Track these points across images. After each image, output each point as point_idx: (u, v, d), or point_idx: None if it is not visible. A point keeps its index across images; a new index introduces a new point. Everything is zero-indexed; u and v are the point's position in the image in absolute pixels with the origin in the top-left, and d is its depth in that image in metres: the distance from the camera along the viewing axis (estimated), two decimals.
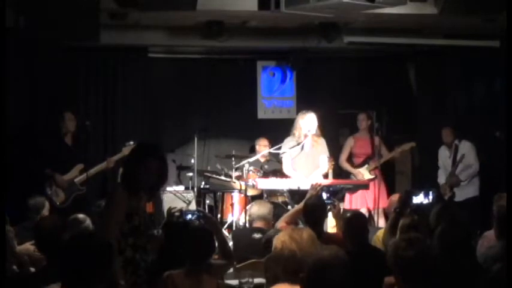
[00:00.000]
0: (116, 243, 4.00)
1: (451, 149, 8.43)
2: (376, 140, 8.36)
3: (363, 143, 8.44)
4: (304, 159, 7.52)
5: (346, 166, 8.46)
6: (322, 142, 7.58)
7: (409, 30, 8.60)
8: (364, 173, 8.25)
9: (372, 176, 8.14)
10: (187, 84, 9.78)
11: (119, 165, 7.71)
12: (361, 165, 8.35)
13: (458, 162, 8.21)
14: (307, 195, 6.12)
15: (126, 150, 7.70)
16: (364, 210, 8.01)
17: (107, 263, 3.17)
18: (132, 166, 4.27)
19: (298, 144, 7.45)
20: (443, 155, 8.56)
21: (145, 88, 9.17)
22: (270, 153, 8.27)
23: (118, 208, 4.18)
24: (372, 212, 8.11)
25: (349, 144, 8.55)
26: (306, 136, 7.42)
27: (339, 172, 8.52)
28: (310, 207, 5.54)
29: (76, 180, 7.63)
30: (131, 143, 7.78)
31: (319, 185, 6.32)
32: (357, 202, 8.20)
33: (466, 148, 8.36)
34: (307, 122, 7.41)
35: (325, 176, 7.62)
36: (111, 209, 4.24)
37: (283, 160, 7.60)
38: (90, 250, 3.12)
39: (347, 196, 8.27)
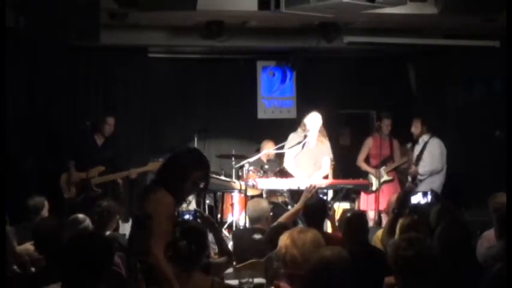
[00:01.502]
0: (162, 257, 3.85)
1: (420, 142, 8.38)
2: (395, 143, 8.42)
3: (382, 144, 8.42)
4: (307, 159, 7.53)
5: (364, 166, 8.50)
6: (326, 143, 7.63)
7: (409, 30, 8.59)
8: (382, 175, 8.27)
9: (390, 178, 8.17)
10: (187, 84, 9.79)
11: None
12: (378, 166, 8.33)
13: (418, 158, 8.23)
14: (302, 197, 6.13)
15: (152, 166, 7.77)
16: (372, 212, 8.06)
17: (107, 263, 3.17)
18: (187, 175, 4.07)
19: (299, 142, 7.47)
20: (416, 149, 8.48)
21: (145, 88, 9.17)
22: (274, 154, 8.32)
23: (169, 216, 3.96)
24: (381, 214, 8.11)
25: (368, 145, 8.57)
26: (305, 136, 7.44)
27: (356, 172, 8.53)
28: (310, 208, 5.55)
29: (92, 180, 7.67)
30: (160, 160, 7.85)
31: (314, 187, 6.33)
32: (371, 203, 8.22)
33: (434, 145, 8.31)
34: (310, 120, 7.44)
35: (326, 177, 7.63)
36: (162, 216, 3.92)
37: (286, 155, 7.62)
38: (90, 250, 3.11)
39: (363, 197, 8.35)
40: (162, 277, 3.80)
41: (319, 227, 5.37)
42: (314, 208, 5.54)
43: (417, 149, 8.44)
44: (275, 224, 5.28)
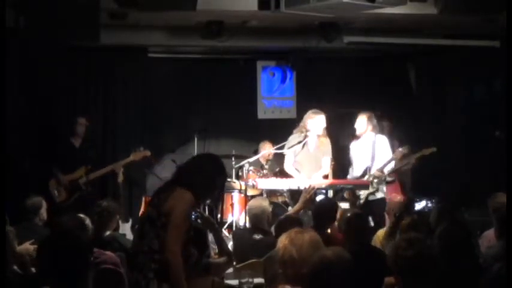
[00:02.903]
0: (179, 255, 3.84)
1: (365, 140, 7.55)
2: (395, 144, 8.34)
3: None
4: (307, 159, 7.53)
5: None
6: (327, 143, 7.58)
7: (409, 30, 8.60)
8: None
9: (391, 179, 8.09)
10: (187, 84, 9.78)
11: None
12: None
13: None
14: (301, 198, 6.13)
15: (134, 156, 7.80)
16: None
17: (84, 262, 3.12)
18: (215, 178, 4.14)
19: (299, 142, 7.47)
20: (357, 147, 7.67)
21: (145, 88, 9.18)
22: (273, 154, 8.30)
23: (188, 215, 3.97)
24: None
25: None
26: (306, 136, 7.44)
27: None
28: (320, 209, 5.56)
29: (80, 180, 7.68)
30: (141, 148, 7.86)
31: (313, 188, 6.33)
32: None
33: (382, 143, 7.58)
34: (316, 122, 7.41)
35: (326, 177, 7.63)
36: (182, 214, 3.91)
37: (286, 158, 7.62)
38: (66, 250, 3.07)
39: None
40: (174, 275, 3.77)
41: (326, 229, 5.37)
42: (321, 210, 5.55)
43: (363, 148, 7.57)
44: (283, 216, 5.29)
